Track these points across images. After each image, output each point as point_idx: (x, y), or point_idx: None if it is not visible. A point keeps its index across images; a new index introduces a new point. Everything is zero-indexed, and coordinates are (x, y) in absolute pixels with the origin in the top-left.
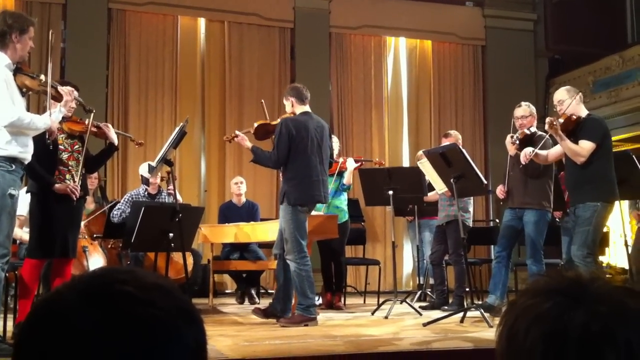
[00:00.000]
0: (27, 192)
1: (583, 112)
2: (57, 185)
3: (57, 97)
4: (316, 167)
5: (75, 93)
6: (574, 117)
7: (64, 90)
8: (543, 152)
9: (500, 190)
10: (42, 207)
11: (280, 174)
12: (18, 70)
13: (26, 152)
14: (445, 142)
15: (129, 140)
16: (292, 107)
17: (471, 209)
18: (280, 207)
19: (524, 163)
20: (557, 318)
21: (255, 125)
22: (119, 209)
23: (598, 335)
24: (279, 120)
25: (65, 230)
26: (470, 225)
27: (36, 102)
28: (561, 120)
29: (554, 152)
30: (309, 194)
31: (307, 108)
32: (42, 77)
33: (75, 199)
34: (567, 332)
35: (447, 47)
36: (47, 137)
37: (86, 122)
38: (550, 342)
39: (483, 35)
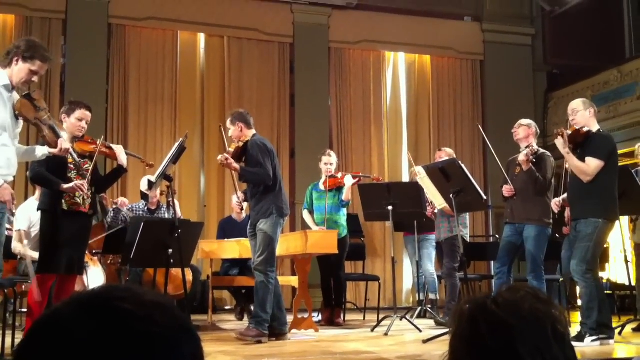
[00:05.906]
0: (37, 209)
1: (594, 126)
2: (64, 186)
3: (50, 139)
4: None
5: (70, 149)
6: (584, 130)
7: (62, 139)
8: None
9: (507, 189)
10: (50, 224)
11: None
12: (27, 96)
13: (9, 171)
14: (439, 157)
15: (138, 161)
16: (241, 131)
17: (468, 224)
18: (262, 221)
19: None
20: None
21: (231, 150)
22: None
23: None
24: (240, 143)
25: (71, 246)
26: (467, 241)
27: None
28: (569, 132)
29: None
30: (287, 206)
31: (254, 131)
32: (44, 114)
33: (82, 193)
34: None
35: (446, 61)
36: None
37: (98, 142)
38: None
39: (481, 50)
